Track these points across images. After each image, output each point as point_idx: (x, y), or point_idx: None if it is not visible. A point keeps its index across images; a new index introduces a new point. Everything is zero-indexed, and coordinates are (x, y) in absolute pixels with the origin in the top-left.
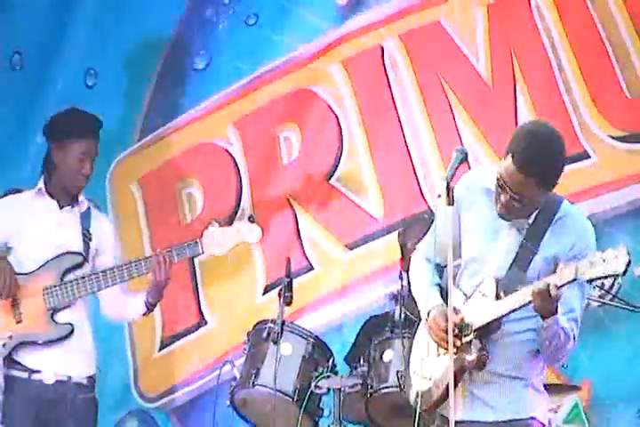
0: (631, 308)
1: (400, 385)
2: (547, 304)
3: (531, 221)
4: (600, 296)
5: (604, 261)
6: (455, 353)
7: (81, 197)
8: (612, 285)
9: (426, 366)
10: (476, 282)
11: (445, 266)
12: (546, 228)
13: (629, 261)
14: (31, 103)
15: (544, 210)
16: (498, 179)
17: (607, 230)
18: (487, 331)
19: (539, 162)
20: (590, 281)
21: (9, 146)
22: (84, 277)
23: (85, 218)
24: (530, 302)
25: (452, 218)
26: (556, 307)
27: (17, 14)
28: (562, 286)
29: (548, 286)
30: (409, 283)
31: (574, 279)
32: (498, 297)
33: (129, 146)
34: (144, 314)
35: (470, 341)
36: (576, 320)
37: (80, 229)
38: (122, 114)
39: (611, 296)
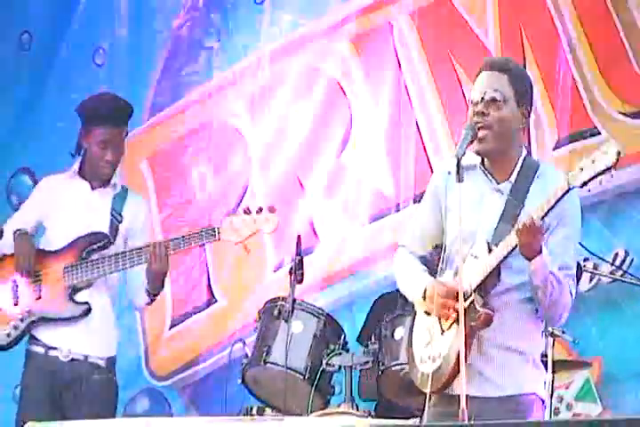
0: None
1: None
2: (531, 240)
3: (513, 179)
4: (611, 272)
5: (592, 162)
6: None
7: (114, 180)
8: (624, 260)
9: (432, 348)
10: (467, 250)
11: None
12: (528, 185)
13: (619, 152)
14: (40, 82)
15: (524, 170)
16: (471, 105)
17: (620, 206)
18: (486, 286)
19: (507, 59)
20: (584, 184)
21: (19, 125)
22: (103, 258)
23: (118, 200)
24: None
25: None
26: (541, 247)
27: None
28: (549, 210)
29: (532, 219)
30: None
31: (568, 190)
32: (490, 251)
33: (138, 124)
34: (147, 304)
35: (472, 301)
36: (572, 277)
37: (110, 210)
38: (131, 92)
39: (622, 272)
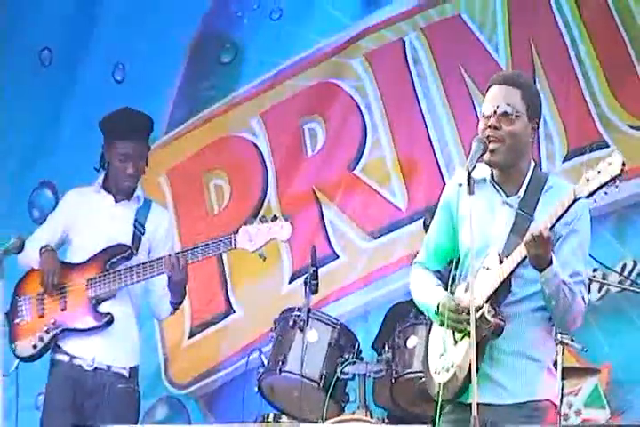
0: None
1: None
2: (540, 251)
3: (521, 193)
4: (620, 282)
5: (599, 173)
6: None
7: (137, 193)
8: (632, 271)
9: (446, 359)
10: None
11: (444, 269)
12: (537, 198)
13: (624, 162)
14: (60, 98)
15: (533, 183)
16: (482, 118)
17: (629, 217)
18: (497, 297)
19: (519, 73)
20: (590, 195)
21: (40, 139)
22: (126, 269)
23: (141, 212)
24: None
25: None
26: (551, 258)
27: (45, 11)
28: (557, 221)
29: (540, 230)
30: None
31: (574, 200)
32: (501, 262)
33: (157, 138)
34: (171, 313)
35: (483, 313)
36: (583, 283)
37: (132, 222)
38: (149, 107)
39: (630, 282)
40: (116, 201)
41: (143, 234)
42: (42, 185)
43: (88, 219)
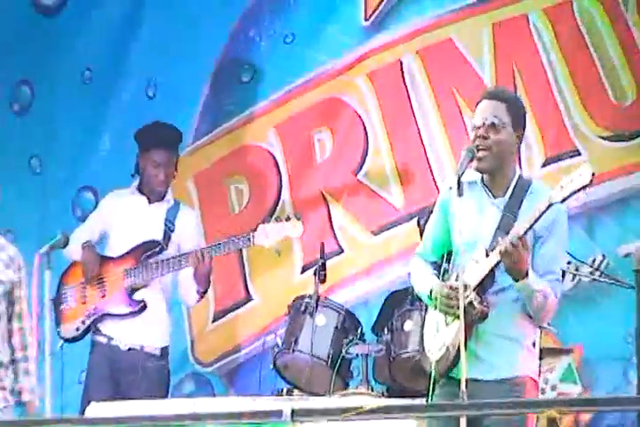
0: (617, 283)
1: (419, 351)
2: (513, 262)
3: (507, 196)
4: (591, 273)
5: (571, 181)
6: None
7: (168, 196)
8: (601, 263)
9: (438, 339)
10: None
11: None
12: (521, 200)
13: (593, 173)
14: (99, 112)
15: (518, 187)
16: (473, 129)
17: (598, 216)
18: (483, 286)
19: (505, 89)
20: (564, 200)
21: (81, 148)
22: (157, 262)
23: (171, 212)
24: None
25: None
26: (527, 271)
27: (87, 37)
28: (534, 224)
29: (510, 242)
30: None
31: (549, 205)
32: (487, 255)
33: (185, 147)
34: (198, 301)
35: (471, 300)
36: (557, 280)
37: (164, 221)
38: (178, 120)
39: (599, 273)
40: (150, 202)
41: (173, 231)
42: (84, 189)
43: (124, 218)
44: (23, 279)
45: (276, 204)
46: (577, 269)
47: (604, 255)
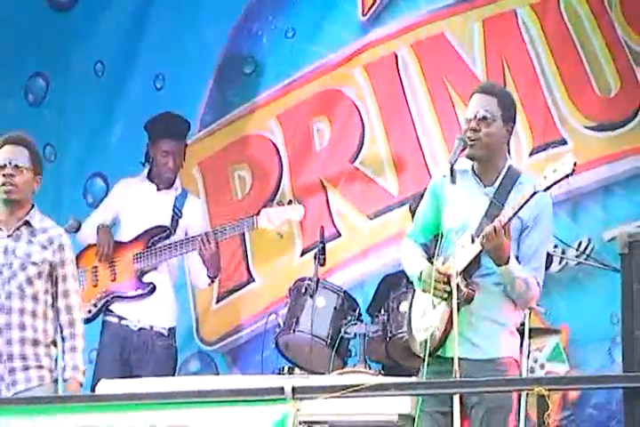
0: (601, 266)
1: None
2: (494, 247)
3: (496, 185)
4: (577, 256)
5: (554, 171)
6: (447, 297)
7: (176, 184)
8: (586, 247)
9: (426, 320)
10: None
11: (429, 242)
12: (509, 189)
13: (575, 163)
14: (111, 103)
15: (507, 177)
16: (465, 122)
17: (583, 202)
18: (469, 270)
19: (496, 84)
20: (547, 189)
21: (93, 138)
22: (165, 246)
23: (179, 200)
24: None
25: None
26: (508, 257)
27: (99, 31)
28: (517, 212)
29: (494, 227)
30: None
31: (533, 193)
32: (472, 241)
33: (191, 136)
34: (209, 284)
35: (457, 283)
36: (538, 269)
37: (172, 207)
38: (184, 111)
39: (585, 257)
40: (158, 189)
41: (180, 217)
42: (95, 176)
43: (134, 204)
44: (67, 259)
45: (277, 190)
46: (563, 253)
47: (589, 239)
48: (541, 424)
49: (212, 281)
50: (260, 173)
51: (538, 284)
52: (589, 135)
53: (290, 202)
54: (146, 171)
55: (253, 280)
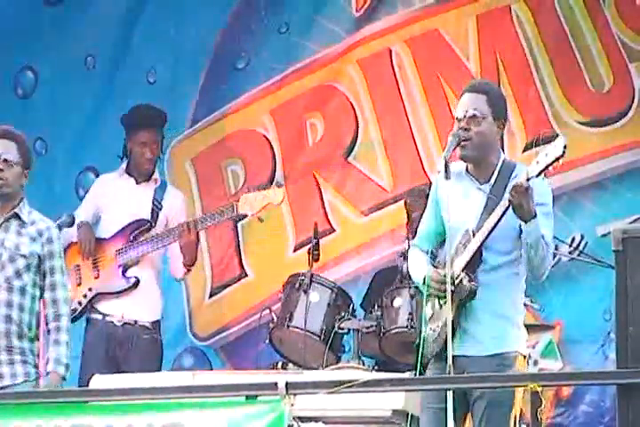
0: (595, 262)
1: (408, 326)
2: (522, 200)
3: (492, 181)
4: (570, 252)
5: (546, 155)
6: (452, 294)
7: (155, 175)
8: (580, 243)
9: (433, 321)
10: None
11: (435, 249)
12: (506, 183)
13: (565, 145)
14: (103, 97)
15: (502, 172)
16: (455, 121)
17: (576, 198)
18: (472, 266)
19: (484, 82)
20: (540, 173)
21: (84, 131)
22: (146, 239)
23: (159, 192)
24: (498, 221)
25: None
26: (535, 212)
27: (90, 25)
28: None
29: (521, 182)
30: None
31: (527, 180)
32: (474, 236)
33: (183, 131)
34: (185, 273)
35: (460, 280)
36: (548, 245)
37: (152, 200)
38: (176, 105)
39: (578, 252)
40: (137, 183)
41: (160, 210)
42: (86, 169)
43: (114, 200)
44: (55, 252)
45: (270, 185)
46: (557, 249)
47: (582, 235)
48: (535, 421)
49: (188, 270)
50: (252, 167)
51: (552, 255)
52: (583, 131)
53: (269, 186)
54: (124, 165)
55: (246, 275)
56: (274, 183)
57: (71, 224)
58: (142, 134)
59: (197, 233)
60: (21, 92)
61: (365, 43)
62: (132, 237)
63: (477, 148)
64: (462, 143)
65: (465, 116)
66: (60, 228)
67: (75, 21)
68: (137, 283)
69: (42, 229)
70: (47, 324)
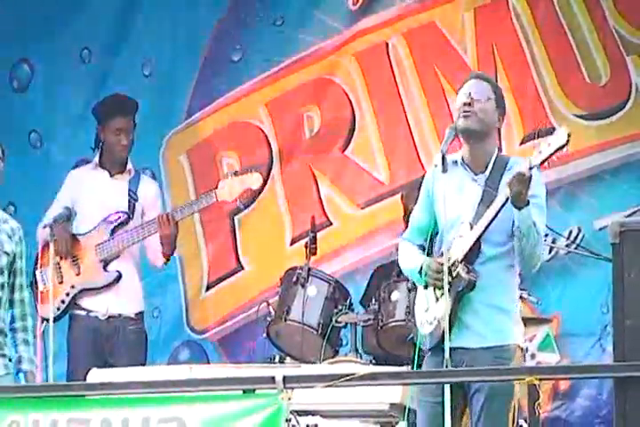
0: (592, 255)
1: (405, 320)
2: (521, 190)
3: (487, 172)
4: (567, 246)
5: (548, 145)
6: (449, 287)
7: (129, 166)
8: (577, 236)
9: (430, 313)
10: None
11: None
12: (501, 174)
13: (569, 134)
14: (98, 90)
15: (497, 164)
16: (459, 103)
17: (574, 191)
18: (470, 257)
19: (489, 75)
20: (543, 162)
21: (79, 125)
22: (125, 232)
23: (133, 183)
24: (496, 214)
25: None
26: (529, 200)
27: (86, 18)
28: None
29: (524, 171)
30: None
31: (530, 168)
32: (471, 228)
33: (178, 124)
34: (165, 263)
35: (458, 271)
36: (539, 234)
37: (127, 192)
38: (172, 98)
39: (575, 245)
40: (111, 175)
41: (136, 200)
42: (81, 162)
43: (89, 193)
44: (23, 252)
45: (267, 178)
46: (554, 242)
47: (579, 228)
48: (532, 414)
49: (168, 259)
50: (248, 160)
51: (542, 242)
52: (580, 123)
53: (247, 171)
54: (96, 158)
55: (243, 268)
56: (251, 168)
57: (68, 218)
58: (118, 120)
59: (177, 223)
60: (17, 84)
61: (362, 36)
62: (110, 231)
63: (480, 122)
64: (465, 114)
65: (470, 97)
66: (56, 222)
67: (70, 14)
68: (119, 277)
69: (14, 228)
70: (13, 322)
